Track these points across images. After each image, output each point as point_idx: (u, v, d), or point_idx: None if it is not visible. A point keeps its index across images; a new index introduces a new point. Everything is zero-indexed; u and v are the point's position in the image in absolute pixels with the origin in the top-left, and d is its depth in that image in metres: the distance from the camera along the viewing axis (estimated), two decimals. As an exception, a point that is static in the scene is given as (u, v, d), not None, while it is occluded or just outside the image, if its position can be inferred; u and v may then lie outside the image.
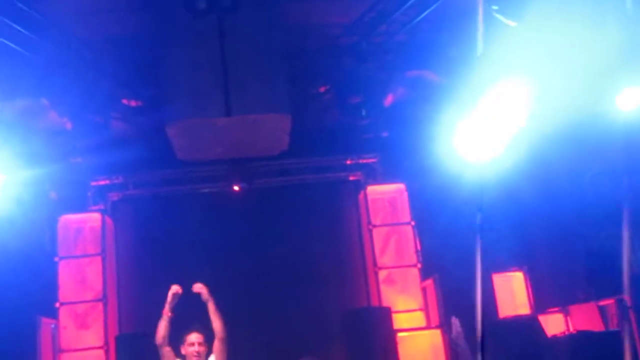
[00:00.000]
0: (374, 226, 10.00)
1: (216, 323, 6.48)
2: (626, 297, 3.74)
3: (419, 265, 9.77)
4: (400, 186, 10.21)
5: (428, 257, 9.77)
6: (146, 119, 8.61)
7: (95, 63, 7.97)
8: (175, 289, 6.57)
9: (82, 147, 8.88)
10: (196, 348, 6.35)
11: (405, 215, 10.09)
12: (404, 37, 7.97)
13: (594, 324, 7.96)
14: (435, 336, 9.27)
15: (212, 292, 6.70)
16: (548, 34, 4.81)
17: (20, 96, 7.85)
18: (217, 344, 6.45)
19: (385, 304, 9.48)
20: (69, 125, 8.64)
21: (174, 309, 6.51)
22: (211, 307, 6.55)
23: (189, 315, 6.63)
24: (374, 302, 9.79)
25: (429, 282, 9.61)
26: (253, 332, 9.18)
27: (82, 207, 9.91)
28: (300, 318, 9.53)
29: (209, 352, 6.51)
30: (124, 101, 8.83)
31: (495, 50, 5.74)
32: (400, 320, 9.38)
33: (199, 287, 6.58)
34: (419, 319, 9.64)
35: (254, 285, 9.62)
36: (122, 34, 7.74)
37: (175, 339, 6.55)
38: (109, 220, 9.99)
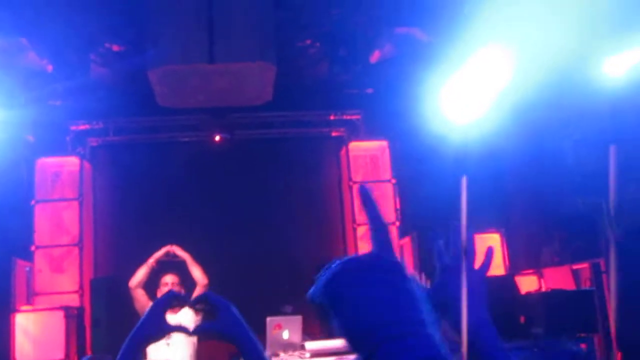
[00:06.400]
0: (355, 182, 9.97)
1: (196, 272, 6.56)
2: (601, 261, 3.76)
3: (398, 223, 9.80)
4: (383, 143, 10.17)
5: (407, 215, 9.79)
6: (129, 64, 8.46)
7: (78, 3, 7.78)
8: (169, 249, 6.67)
9: (62, 90, 8.72)
10: (169, 287, 6.42)
11: (387, 172, 10.08)
12: (394, -9, 7.85)
13: (567, 286, 8.06)
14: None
15: (190, 240, 6.72)
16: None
17: (-1, 35, 7.67)
18: (199, 292, 6.51)
19: (362, 260, 9.48)
20: (49, 67, 8.48)
21: (158, 262, 6.60)
22: (189, 261, 6.63)
23: (168, 265, 6.68)
24: (351, 258, 9.79)
25: (406, 240, 9.66)
26: (230, 282, 9.21)
27: (60, 151, 9.80)
28: (277, 270, 9.55)
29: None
30: (107, 45, 8.67)
31: (482, 12, 5.69)
32: (376, 277, 9.37)
33: (172, 249, 6.70)
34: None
35: (231, 236, 9.61)
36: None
37: (152, 285, 6.59)
38: (87, 165, 9.89)
